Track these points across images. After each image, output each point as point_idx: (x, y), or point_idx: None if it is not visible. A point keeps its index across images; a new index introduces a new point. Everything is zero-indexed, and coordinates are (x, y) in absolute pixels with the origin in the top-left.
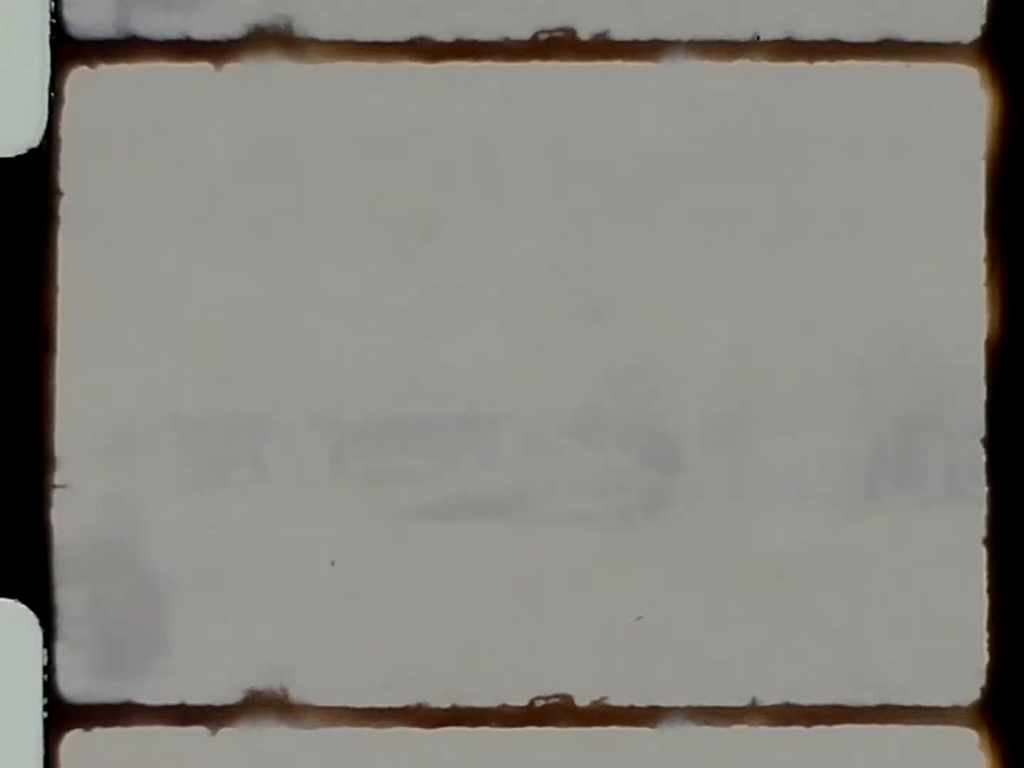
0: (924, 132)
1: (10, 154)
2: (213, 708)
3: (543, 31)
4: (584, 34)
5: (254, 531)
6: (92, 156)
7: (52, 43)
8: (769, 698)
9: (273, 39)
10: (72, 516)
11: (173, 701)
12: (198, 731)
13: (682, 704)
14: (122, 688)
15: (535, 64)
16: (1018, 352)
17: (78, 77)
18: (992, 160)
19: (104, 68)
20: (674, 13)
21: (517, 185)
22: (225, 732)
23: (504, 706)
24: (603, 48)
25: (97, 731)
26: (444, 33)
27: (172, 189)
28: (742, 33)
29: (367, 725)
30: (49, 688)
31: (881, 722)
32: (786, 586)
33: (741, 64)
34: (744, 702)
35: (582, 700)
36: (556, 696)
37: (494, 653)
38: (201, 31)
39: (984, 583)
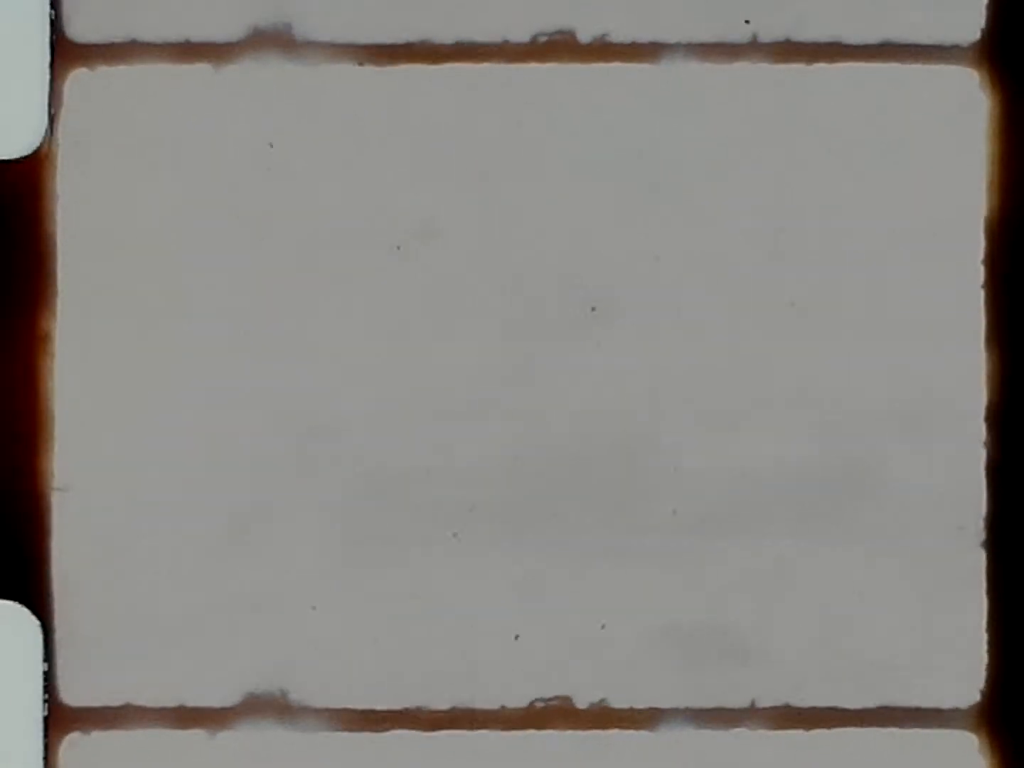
0: (924, 134)
1: (9, 156)
2: (212, 710)
3: (542, 34)
4: (584, 36)
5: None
6: (91, 158)
7: (51, 45)
8: (768, 700)
9: (273, 41)
10: (72, 518)
11: (172, 703)
12: (197, 734)
13: (681, 706)
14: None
15: (534, 66)
16: (1018, 346)
17: (77, 79)
18: (993, 162)
19: (104, 70)
20: (673, 15)
21: (517, 186)
22: (224, 735)
23: (503, 708)
24: (602, 50)
25: (96, 734)
26: (444, 36)
27: (172, 191)
28: (741, 35)
29: (366, 728)
30: (48, 691)
31: (880, 725)
32: None
33: (740, 66)
34: (743, 704)
35: (581, 702)
36: (555, 698)
37: (493, 655)
38: (200, 33)
39: (984, 585)
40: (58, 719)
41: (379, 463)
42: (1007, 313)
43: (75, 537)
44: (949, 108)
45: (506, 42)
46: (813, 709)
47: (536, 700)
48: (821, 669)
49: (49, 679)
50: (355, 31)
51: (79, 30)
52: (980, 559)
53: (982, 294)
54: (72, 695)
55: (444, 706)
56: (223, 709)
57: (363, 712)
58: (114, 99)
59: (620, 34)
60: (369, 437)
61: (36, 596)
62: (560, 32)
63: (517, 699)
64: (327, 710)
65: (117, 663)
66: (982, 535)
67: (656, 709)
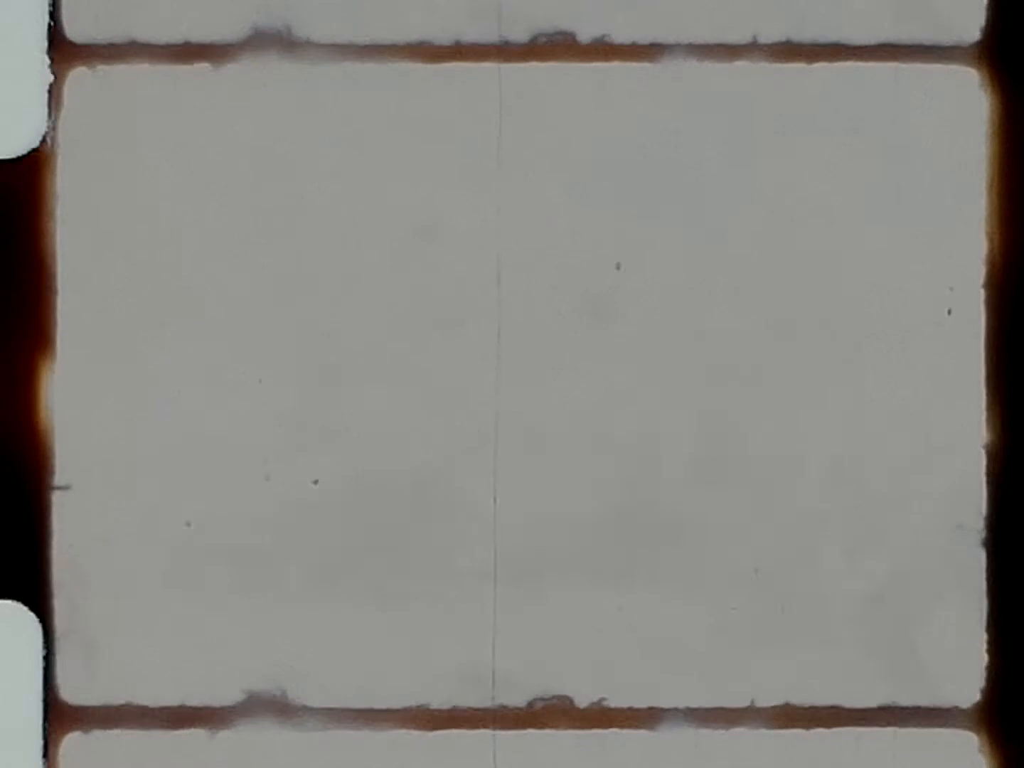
0: (924, 134)
1: (9, 156)
2: (212, 710)
3: (542, 34)
4: (584, 37)
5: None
6: (91, 158)
7: (51, 45)
8: (768, 700)
9: (272, 41)
10: (72, 518)
11: (172, 703)
12: (197, 733)
13: (681, 705)
14: None
15: (534, 66)
16: (1018, 347)
17: (77, 79)
18: (993, 162)
19: (103, 70)
20: (673, 16)
21: (516, 186)
22: (224, 734)
23: (503, 707)
24: (602, 51)
25: (96, 733)
26: (443, 36)
27: (172, 190)
28: (741, 36)
29: (367, 727)
30: (48, 690)
31: (880, 724)
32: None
33: (740, 66)
34: (743, 704)
35: (581, 701)
36: (555, 697)
37: (493, 654)
38: (200, 33)
39: (984, 585)
40: (58, 718)
41: (380, 464)
42: (1007, 313)
43: (75, 537)
44: (949, 107)
45: (506, 43)
46: (813, 708)
47: (536, 699)
48: (821, 668)
49: (49, 678)
50: (354, 31)
51: (78, 30)
52: (980, 559)
53: (982, 294)
54: (72, 694)
55: (445, 705)
56: (223, 708)
57: (362, 711)
58: (114, 99)
59: (620, 35)
60: (370, 437)
61: (36, 596)
62: (560, 33)
63: (517, 698)
64: (326, 709)
65: (117, 662)
66: (982, 535)
67: (656, 708)
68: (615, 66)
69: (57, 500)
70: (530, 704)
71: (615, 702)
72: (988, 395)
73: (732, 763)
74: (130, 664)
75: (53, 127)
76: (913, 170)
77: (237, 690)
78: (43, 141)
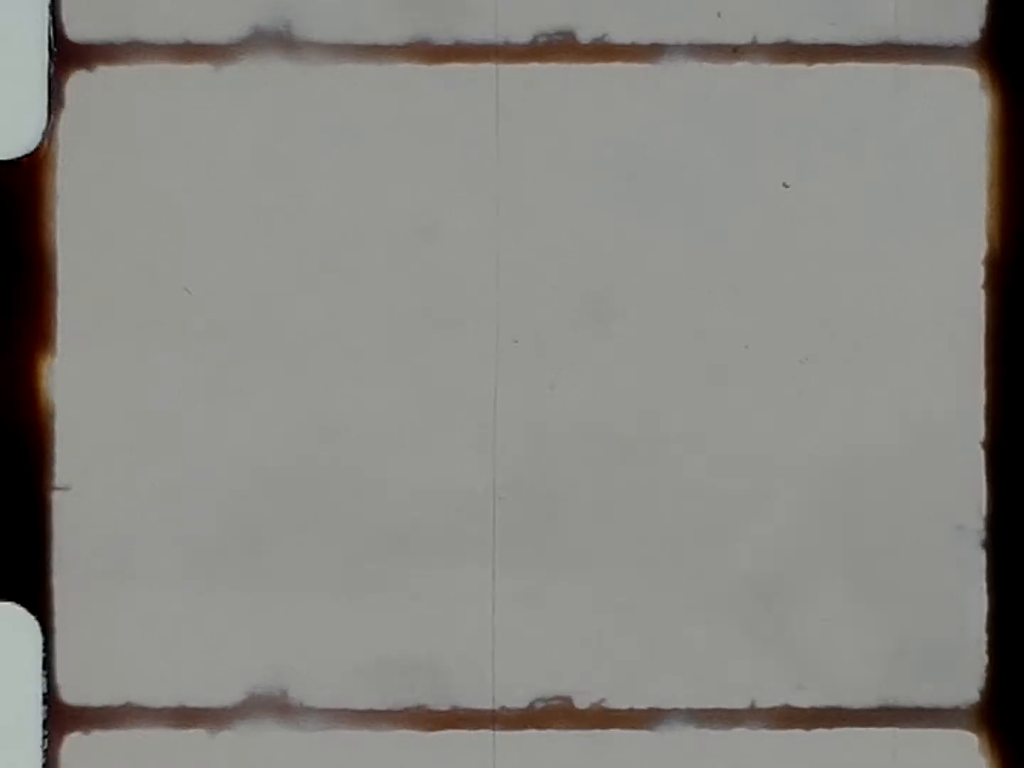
0: (924, 134)
1: (9, 156)
2: (213, 710)
3: (542, 34)
4: (584, 37)
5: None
6: (91, 158)
7: (51, 46)
8: (768, 700)
9: (273, 41)
10: (72, 518)
11: (172, 703)
12: (197, 733)
13: (682, 706)
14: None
15: (534, 66)
16: (1018, 347)
17: (77, 79)
18: (993, 162)
19: (103, 70)
20: (673, 16)
21: (516, 186)
22: (224, 734)
23: (504, 708)
24: (602, 51)
25: (96, 733)
26: (443, 36)
27: (172, 191)
28: (741, 36)
29: (367, 728)
30: (48, 691)
31: (880, 725)
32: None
33: (740, 66)
34: (744, 704)
35: (581, 702)
36: (556, 698)
37: (492, 655)
38: (200, 33)
39: (984, 585)
40: (58, 719)
41: (379, 464)
42: (1007, 313)
43: (75, 537)
44: (949, 108)
45: (506, 42)
46: (813, 708)
47: (536, 700)
48: (822, 667)
49: (49, 679)
50: (355, 31)
51: (79, 31)
52: (980, 559)
53: (982, 294)
54: (72, 695)
55: (445, 706)
56: (223, 709)
57: (363, 712)
58: (114, 99)
59: (620, 35)
60: (370, 437)
61: (36, 596)
62: (560, 32)
63: (517, 699)
64: (327, 710)
65: (117, 663)
66: (982, 535)
67: (656, 709)
68: (615, 66)
69: (57, 500)
70: (530, 705)
71: (615, 703)
72: (988, 395)
73: (733, 763)
74: (130, 664)
75: (53, 127)
76: (913, 170)
77: (238, 690)
78: (43, 141)
